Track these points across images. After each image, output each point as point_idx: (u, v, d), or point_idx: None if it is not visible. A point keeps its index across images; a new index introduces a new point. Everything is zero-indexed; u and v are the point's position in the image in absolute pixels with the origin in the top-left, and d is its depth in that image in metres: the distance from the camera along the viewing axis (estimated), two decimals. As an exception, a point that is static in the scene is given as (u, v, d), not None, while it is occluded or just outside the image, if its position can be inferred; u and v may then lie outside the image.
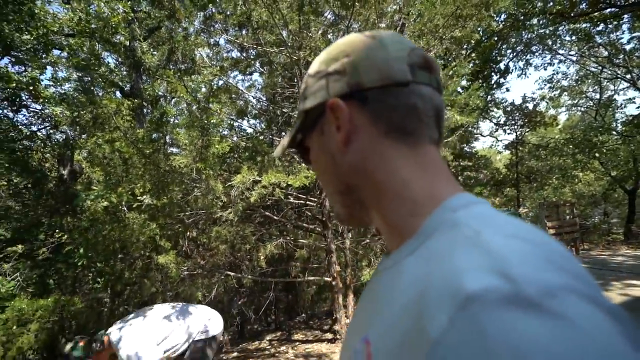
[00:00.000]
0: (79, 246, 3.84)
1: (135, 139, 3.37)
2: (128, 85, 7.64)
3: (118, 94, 7.49)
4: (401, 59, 0.42)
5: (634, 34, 12.02)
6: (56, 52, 6.50)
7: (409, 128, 0.42)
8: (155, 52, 7.65)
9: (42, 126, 6.94)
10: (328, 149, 0.46)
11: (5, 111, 5.96)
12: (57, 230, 4.78)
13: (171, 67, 7.98)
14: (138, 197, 3.29)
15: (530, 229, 0.32)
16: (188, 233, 5.25)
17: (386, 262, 0.43)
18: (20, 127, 6.35)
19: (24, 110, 6.40)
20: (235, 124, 6.78)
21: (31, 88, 5.54)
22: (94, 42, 5.92)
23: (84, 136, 7.04)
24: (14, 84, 5.28)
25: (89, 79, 5.92)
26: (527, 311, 0.23)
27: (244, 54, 6.19)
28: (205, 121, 3.20)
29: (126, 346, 2.33)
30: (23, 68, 5.93)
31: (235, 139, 5.91)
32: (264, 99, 6.75)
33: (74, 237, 4.05)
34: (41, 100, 5.85)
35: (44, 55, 6.00)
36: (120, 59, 7.99)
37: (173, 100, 9.04)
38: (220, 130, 5.65)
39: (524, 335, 0.22)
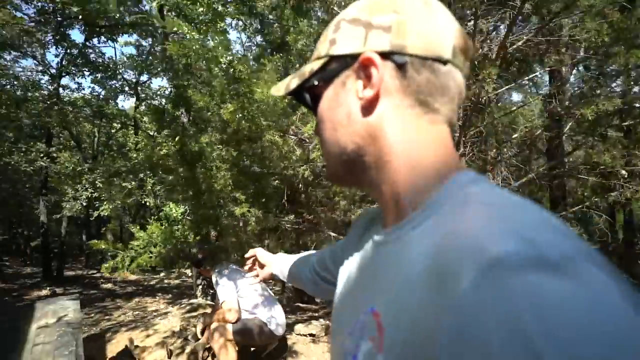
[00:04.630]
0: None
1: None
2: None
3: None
4: (449, 36, 0.40)
5: None
6: None
7: (434, 105, 0.40)
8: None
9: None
10: (346, 104, 0.42)
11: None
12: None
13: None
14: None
15: (532, 203, 0.32)
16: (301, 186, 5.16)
17: (384, 236, 0.42)
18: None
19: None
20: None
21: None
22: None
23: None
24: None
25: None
26: (550, 274, 0.24)
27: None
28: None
29: (219, 275, 2.92)
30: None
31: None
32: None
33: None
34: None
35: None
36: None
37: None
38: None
39: (548, 296, 0.23)
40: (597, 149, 3.96)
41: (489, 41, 3.56)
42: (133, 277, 10.21)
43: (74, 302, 3.05)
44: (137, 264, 3.22)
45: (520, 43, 3.53)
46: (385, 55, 0.39)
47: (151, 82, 13.51)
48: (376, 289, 0.38)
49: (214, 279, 3.00)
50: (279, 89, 0.48)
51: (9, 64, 9.54)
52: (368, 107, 0.40)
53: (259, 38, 6.89)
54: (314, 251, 0.84)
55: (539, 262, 0.24)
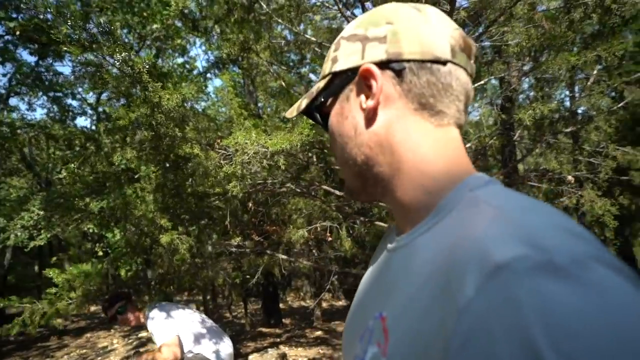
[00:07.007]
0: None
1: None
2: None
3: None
4: (444, 37, 0.40)
5: None
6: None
7: (439, 107, 0.40)
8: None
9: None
10: (351, 117, 0.43)
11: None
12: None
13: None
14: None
15: (544, 204, 0.32)
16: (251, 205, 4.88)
17: (397, 242, 0.42)
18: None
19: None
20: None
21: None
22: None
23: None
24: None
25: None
26: (558, 279, 0.23)
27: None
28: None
29: (150, 316, 2.54)
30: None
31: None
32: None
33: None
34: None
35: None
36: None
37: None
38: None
39: (557, 301, 0.22)
40: (545, 157, 3.94)
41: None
42: (91, 308, 9.48)
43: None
44: (50, 315, 2.83)
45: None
46: (383, 65, 0.40)
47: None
48: (385, 295, 0.39)
49: (147, 324, 2.63)
50: (292, 111, 0.49)
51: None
52: (372, 117, 0.41)
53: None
54: None
55: (547, 267, 0.23)
